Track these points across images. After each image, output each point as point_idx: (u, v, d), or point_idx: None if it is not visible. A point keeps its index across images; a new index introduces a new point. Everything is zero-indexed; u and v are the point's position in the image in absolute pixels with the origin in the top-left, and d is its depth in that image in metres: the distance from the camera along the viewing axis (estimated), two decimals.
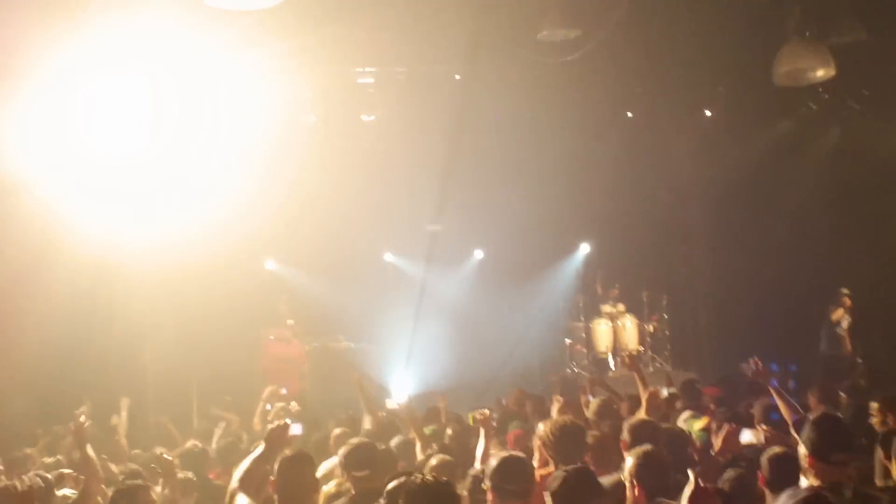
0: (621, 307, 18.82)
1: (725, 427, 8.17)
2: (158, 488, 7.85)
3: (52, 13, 11.96)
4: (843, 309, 16.93)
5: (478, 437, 8.20)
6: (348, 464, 7.08)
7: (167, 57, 13.85)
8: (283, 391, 10.96)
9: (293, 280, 18.55)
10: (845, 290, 16.95)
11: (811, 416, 6.47)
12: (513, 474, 5.97)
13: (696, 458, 7.67)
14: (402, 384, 17.79)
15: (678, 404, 10.36)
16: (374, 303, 18.62)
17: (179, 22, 12.64)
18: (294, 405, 10.04)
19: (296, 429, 8.51)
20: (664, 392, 10.43)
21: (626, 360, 10.65)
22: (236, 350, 17.62)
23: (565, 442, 7.01)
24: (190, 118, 14.55)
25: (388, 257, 19.70)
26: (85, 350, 15.53)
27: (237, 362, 17.45)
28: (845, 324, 16.88)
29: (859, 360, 16.43)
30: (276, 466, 6.35)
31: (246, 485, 6.12)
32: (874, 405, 9.57)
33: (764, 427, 8.50)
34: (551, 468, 6.86)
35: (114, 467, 9.67)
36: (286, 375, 15.42)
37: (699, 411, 9.52)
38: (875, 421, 9.18)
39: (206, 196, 16.30)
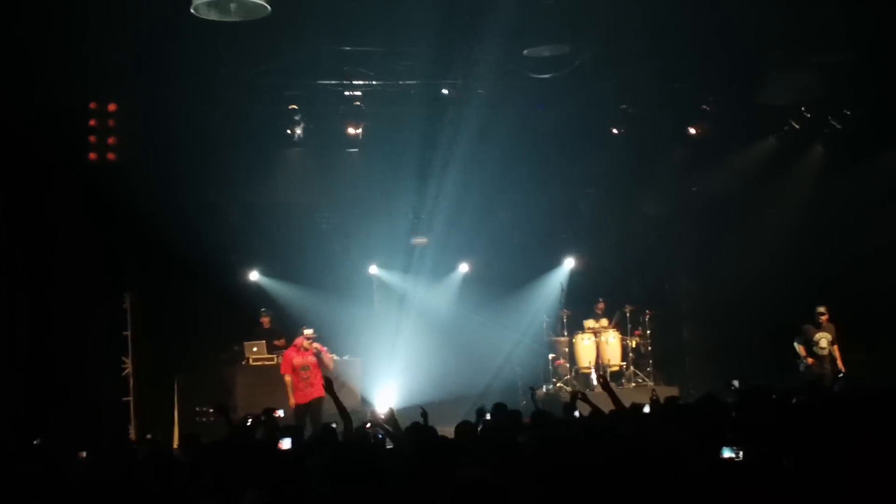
0: (604, 322, 18.86)
1: None
2: None
3: None
4: (813, 326, 16.71)
5: None
6: None
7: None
8: (281, 412, 10.94)
9: (278, 291, 18.52)
10: (821, 309, 16.85)
11: None
12: None
13: None
14: (385, 397, 17.77)
15: None
16: (358, 315, 18.61)
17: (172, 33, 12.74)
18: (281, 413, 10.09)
19: (286, 443, 8.51)
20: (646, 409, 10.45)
21: (600, 380, 10.78)
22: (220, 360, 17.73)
23: None
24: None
25: (373, 269, 19.67)
26: None
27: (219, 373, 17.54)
28: (824, 342, 16.67)
29: (841, 375, 16.10)
30: None
31: None
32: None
33: None
34: None
35: None
36: (305, 384, 15.44)
37: None
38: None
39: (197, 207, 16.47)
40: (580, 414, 10.28)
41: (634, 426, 8.72)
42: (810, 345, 16.59)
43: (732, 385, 10.86)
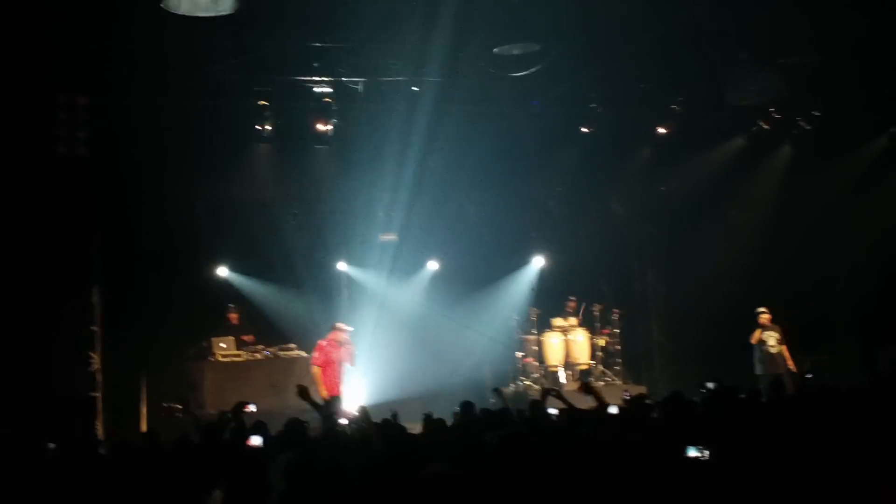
0: (573, 321, 18.88)
1: None
2: None
3: None
4: (758, 327, 16.84)
5: None
6: None
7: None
8: (252, 408, 10.88)
9: (246, 286, 18.46)
10: (761, 309, 16.90)
11: None
12: None
13: None
14: (353, 394, 17.75)
15: None
16: (326, 312, 18.56)
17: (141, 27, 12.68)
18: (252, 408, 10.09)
19: (256, 440, 8.48)
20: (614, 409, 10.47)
21: (582, 387, 10.74)
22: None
23: None
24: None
25: (342, 266, 19.63)
26: None
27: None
28: (772, 340, 16.75)
29: (808, 377, 16.15)
30: None
31: None
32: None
33: None
34: None
35: None
36: (339, 378, 15.55)
37: None
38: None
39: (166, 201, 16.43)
40: (553, 411, 10.29)
41: (599, 425, 8.76)
42: (760, 347, 16.69)
43: (705, 387, 10.87)
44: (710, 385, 10.78)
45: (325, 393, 15.25)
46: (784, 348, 16.62)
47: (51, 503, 7.43)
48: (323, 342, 15.84)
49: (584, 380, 15.12)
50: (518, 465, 6.78)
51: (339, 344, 15.58)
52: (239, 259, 18.53)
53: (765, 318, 16.74)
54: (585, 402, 10.34)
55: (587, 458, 6.71)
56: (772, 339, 16.63)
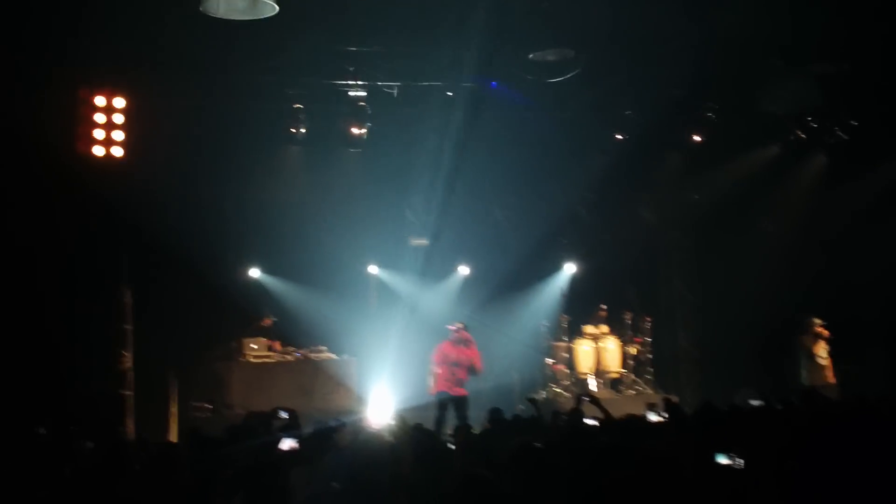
0: (604, 328, 18.79)
1: None
2: None
3: None
4: (812, 337, 16.59)
5: None
6: None
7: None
8: (284, 414, 10.84)
9: (277, 288, 18.51)
10: (818, 320, 16.77)
11: None
12: None
13: None
14: (381, 397, 17.77)
15: None
16: (356, 314, 18.58)
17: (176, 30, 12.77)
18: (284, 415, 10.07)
19: (287, 443, 8.47)
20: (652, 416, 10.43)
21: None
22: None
23: None
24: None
25: (372, 269, 19.65)
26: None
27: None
28: (824, 353, 16.60)
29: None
30: None
31: None
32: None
33: None
34: None
35: None
36: (454, 379, 15.50)
37: None
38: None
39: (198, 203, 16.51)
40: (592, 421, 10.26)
41: (630, 434, 8.73)
42: (811, 358, 16.51)
43: (751, 402, 10.81)
44: (755, 402, 10.70)
45: (434, 389, 15.50)
46: (830, 361, 16.49)
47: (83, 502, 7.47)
48: (443, 343, 15.85)
49: (581, 391, 15.17)
50: (532, 475, 6.78)
51: (462, 345, 15.56)
52: (270, 260, 18.59)
53: (823, 331, 16.58)
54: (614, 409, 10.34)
55: (612, 468, 6.70)
56: (824, 350, 16.49)
